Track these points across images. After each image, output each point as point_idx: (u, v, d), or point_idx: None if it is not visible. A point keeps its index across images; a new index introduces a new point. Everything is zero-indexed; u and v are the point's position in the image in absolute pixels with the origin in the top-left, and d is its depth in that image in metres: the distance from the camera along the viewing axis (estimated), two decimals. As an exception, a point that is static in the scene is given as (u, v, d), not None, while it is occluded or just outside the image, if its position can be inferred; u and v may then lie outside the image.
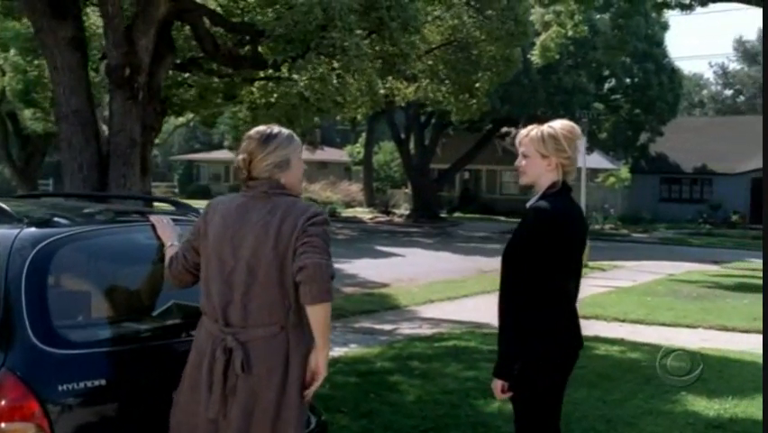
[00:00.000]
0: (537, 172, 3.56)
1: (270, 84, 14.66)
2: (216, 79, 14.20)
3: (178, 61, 12.08)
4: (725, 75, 72.69)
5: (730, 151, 36.98)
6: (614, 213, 35.37)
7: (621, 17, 28.74)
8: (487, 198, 41.54)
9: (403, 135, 37.42)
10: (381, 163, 47.32)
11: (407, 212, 37.83)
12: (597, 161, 37.53)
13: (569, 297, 3.61)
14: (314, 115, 15.71)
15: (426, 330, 10.51)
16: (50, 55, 8.74)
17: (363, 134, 45.98)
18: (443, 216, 37.27)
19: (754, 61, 66.74)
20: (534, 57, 20.61)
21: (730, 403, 6.58)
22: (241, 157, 3.33)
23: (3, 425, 2.93)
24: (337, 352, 8.39)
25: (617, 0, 28.38)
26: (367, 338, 9.85)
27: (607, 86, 37.44)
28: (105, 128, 9.69)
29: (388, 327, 10.83)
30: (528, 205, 3.57)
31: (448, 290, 14.49)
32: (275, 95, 14.88)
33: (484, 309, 11.15)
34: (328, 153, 48.74)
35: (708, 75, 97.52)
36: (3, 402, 2.95)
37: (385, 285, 15.07)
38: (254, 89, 15.21)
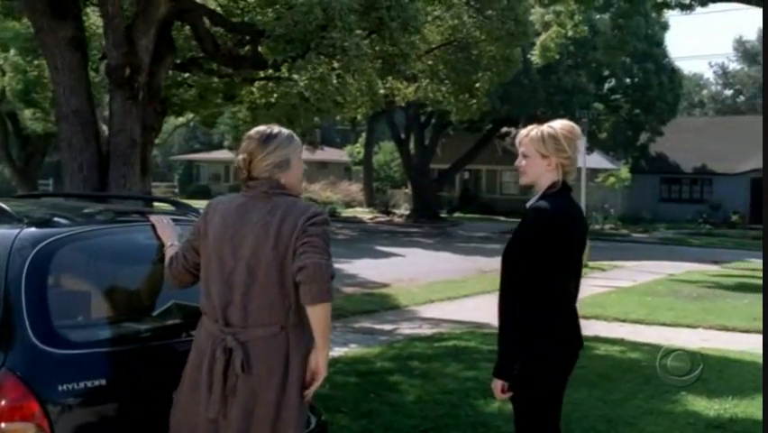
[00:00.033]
0: (537, 172, 3.56)
1: (270, 84, 14.66)
2: (216, 79, 14.20)
3: (178, 61, 12.08)
4: (725, 75, 72.72)
5: (730, 151, 36.99)
6: (614, 213, 35.37)
7: (621, 17, 28.77)
8: (487, 198, 41.55)
9: (403, 135, 37.43)
10: (381, 163, 47.34)
11: (407, 212, 37.83)
12: (597, 161, 37.54)
13: (569, 297, 3.61)
14: (314, 115, 15.72)
15: (426, 330, 10.51)
16: (51, 55, 8.74)
17: (363, 134, 46.00)
18: (443, 216, 37.27)
19: (753, 61, 66.76)
20: (534, 57, 20.60)
21: (730, 403, 6.58)
22: (241, 157, 3.33)
23: (3, 425, 2.93)
24: (337, 352, 8.39)
25: (617, 0, 28.38)
26: (367, 338, 9.85)
27: (607, 86, 37.44)
28: (104, 128, 9.69)
29: (388, 327, 10.83)
30: (528, 205, 3.56)
31: (448, 290, 14.49)
32: (275, 95, 14.88)
33: (484, 309, 11.15)
34: (328, 153, 48.75)
35: (708, 75, 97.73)
36: (3, 402, 2.94)
37: (385, 285, 15.07)
38: (254, 89, 15.21)
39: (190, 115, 21.89)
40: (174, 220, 3.82)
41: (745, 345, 9.40)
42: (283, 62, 11.49)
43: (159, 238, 3.66)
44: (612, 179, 35.53)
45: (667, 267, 18.86)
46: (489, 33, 16.15)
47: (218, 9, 12.71)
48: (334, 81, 11.76)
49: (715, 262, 20.44)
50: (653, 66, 34.76)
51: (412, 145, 37.48)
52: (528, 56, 22.82)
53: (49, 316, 3.16)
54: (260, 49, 12.09)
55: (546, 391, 3.56)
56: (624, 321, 11.39)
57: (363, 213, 40.12)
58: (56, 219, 3.60)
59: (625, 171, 36.76)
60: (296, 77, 12.22)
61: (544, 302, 3.45)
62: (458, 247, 23.56)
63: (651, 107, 35.20)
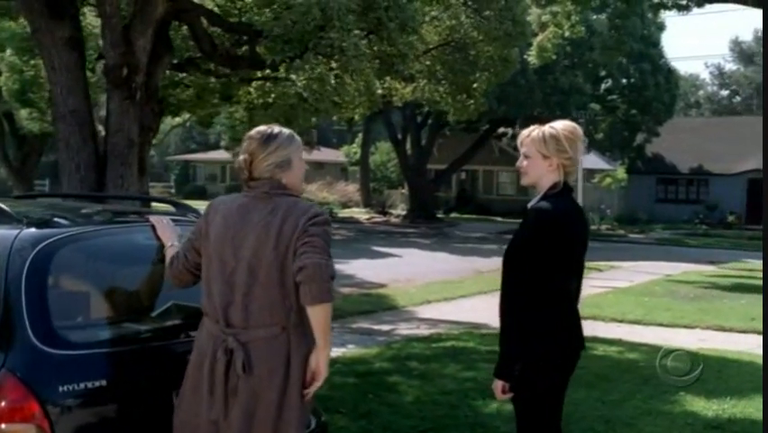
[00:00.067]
0: (539, 173, 3.56)
1: (268, 84, 14.65)
2: (214, 79, 14.19)
3: (176, 61, 12.07)
4: (721, 75, 72.86)
5: (726, 151, 37.04)
6: (610, 213, 35.41)
7: (618, 18, 28.74)
8: (483, 199, 41.54)
9: (400, 136, 37.41)
10: (378, 164, 47.32)
11: (404, 212, 37.83)
12: (593, 161, 37.54)
13: (570, 297, 3.61)
14: (312, 115, 15.71)
15: (424, 331, 10.51)
16: (48, 55, 8.71)
17: (360, 135, 45.97)
18: (439, 216, 37.26)
19: (750, 62, 66.91)
20: (531, 57, 20.56)
21: (728, 404, 6.59)
22: (242, 157, 3.33)
23: (3, 426, 2.93)
24: (335, 352, 8.37)
25: (614, 1, 28.40)
26: (365, 339, 9.85)
27: (603, 86, 37.45)
28: (101, 128, 9.67)
29: (385, 327, 10.82)
30: (529, 206, 3.56)
31: (445, 290, 14.48)
32: (272, 95, 14.87)
33: (481, 310, 11.16)
34: (325, 154, 48.70)
35: (705, 75, 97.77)
36: (3, 403, 2.94)
37: (382, 285, 15.06)
38: (252, 89, 15.20)
39: (187, 116, 21.86)
40: (174, 221, 3.81)
41: (743, 346, 9.42)
42: (281, 62, 11.48)
43: (158, 239, 3.66)
44: (608, 180, 35.54)
45: (664, 267, 18.88)
46: (486, 34, 16.14)
47: (216, 9, 12.70)
48: (332, 81, 11.75)
49: (711, 263, 20.47)
50: (650, 66, 34.81)
51: (409, 146, 37.46)
52: (525, 56, 22.81)
53: (49, 316, 3.15)
54: (257, 49, 12.08)
55: (546, 391, 3.56)
56: (621, 322, 11.40)
57: (360, 213, 40.10)
58: (56, 220, 3.60)
59: (621, 172, 36.77)
60: (293, 77, 12.19)
61: (545, 303, 3.45)
62: (455, 248, 23.56)
63: (647, 108, 35.25)
